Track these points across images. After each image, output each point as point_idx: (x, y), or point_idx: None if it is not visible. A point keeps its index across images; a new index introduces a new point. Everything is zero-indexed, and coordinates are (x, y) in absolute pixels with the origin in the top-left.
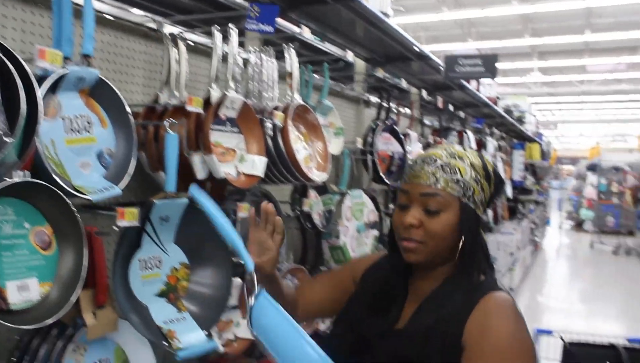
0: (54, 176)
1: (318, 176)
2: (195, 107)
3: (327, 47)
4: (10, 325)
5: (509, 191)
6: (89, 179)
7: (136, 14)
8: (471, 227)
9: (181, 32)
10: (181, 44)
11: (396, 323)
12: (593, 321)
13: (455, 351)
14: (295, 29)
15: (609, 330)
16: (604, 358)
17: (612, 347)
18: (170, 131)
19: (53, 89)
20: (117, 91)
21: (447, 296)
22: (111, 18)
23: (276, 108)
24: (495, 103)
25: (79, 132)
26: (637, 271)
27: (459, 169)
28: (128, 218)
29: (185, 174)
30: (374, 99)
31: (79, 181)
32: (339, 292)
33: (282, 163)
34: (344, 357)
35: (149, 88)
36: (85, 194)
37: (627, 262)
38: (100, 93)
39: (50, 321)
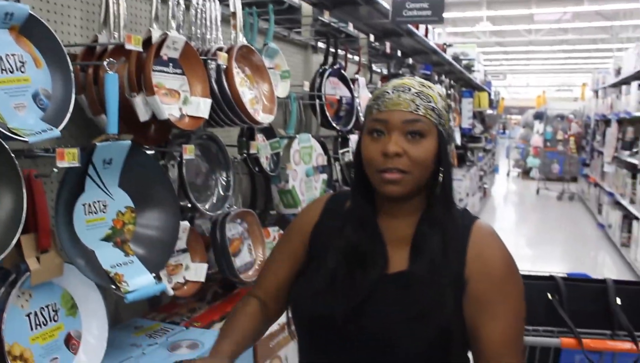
0: None
1: (264, 118)
2: (134, 46)
3: None
4: None
5: (457, 138)
6: (25, 122)
7: None
8: (448, 156)
9: None
10: None
11: (386, 269)
12: (539, 262)
13: (460, 285)
14: None
15: (553, 270)
16: (545, 289)
17: (551, 278)
18: (109, 71)
19: None
20: (51, 29)
21: (439, 231)
22: None
23: (220, 49)
24: (444, 50)
25: (11, 72)
26: (579, 215)
27: (432, 98)
28: (68, 158)
29: (128, 117)
30: (322, 45)
31: (15, 123)
32: (299, 270)
33: (227, 104)
34: (342, 320)
35: (87, 30)
36: (21, 137)
37: (570, 207)
38: (32, 32)
39: None
